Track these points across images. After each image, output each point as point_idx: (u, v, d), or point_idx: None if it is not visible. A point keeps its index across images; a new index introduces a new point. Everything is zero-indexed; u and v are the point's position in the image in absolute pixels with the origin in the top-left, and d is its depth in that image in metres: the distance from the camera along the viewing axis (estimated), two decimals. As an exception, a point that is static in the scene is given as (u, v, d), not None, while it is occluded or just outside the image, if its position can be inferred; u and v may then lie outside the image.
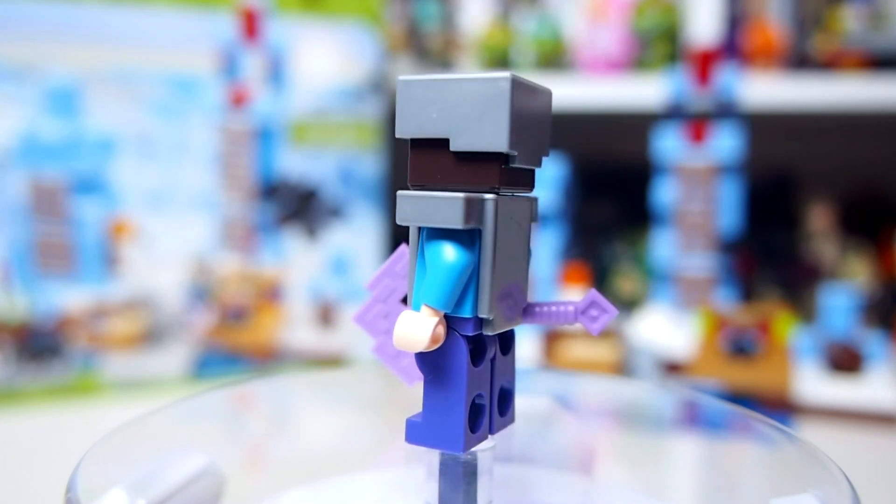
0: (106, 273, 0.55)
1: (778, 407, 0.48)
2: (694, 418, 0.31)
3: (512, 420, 0.21)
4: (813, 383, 0.51)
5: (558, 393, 0.32)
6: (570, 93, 0.70)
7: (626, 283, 0.81)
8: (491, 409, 0.20)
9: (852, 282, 0.75)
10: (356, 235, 0.63)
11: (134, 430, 0.25)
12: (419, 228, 0.19)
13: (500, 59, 0.78)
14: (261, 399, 0.33)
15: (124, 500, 0.22)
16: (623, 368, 0.54)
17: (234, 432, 0.32)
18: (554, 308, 0.20)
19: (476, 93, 0.18)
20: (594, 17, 0.75)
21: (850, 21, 0.68)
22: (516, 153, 0.18)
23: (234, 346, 0.59)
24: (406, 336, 0.18)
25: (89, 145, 0.54)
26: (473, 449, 0.21)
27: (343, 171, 0.63)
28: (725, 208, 0.59)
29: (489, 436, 0.20)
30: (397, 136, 0.19)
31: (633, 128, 0.73)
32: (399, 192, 0.19)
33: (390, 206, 0.64)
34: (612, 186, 0.86)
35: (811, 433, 0.47)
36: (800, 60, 0.70)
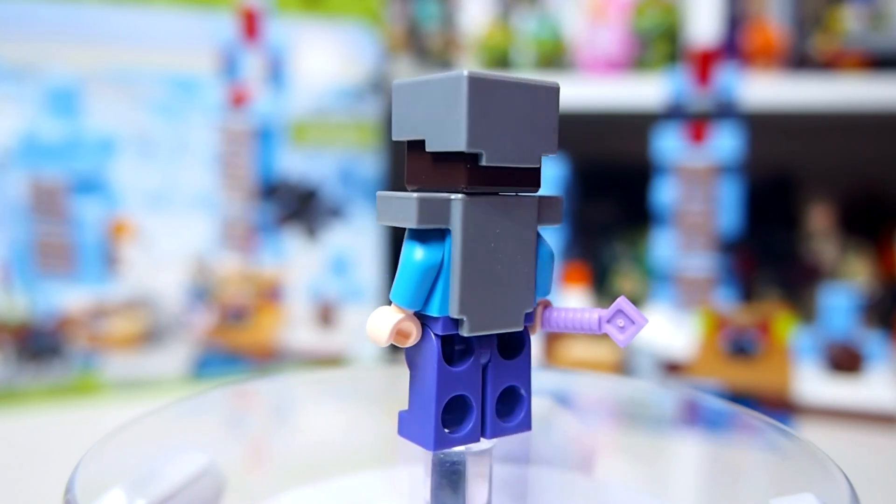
0: (106, 273, 0.55)
1: (778, 407, 0.48)
2: (694, 417, 0.31)
3: (524, 428, 0.21)
4: (813, 383, 0.51)
5: (558, 392, 0.32)
6: (570, 93, 0.70)
7: (626, 283, 0.81)
8: (485, 412, 0.20)
9: (852, 282, 0.75)
10: (356, 235, 0.63)
11: (134, 430, 0.25)
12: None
13: (500, 59, 0.78)
14: (262, 398, 0.33)
15: (124, 500, 0.22)
16: (623, 368, 0.54)
17: (235, 432, 0.32)
18: (576, 315, 0.20)
19: (441, 93, 0.18)
20: (594, 17, 0.75)
21: (850, 21, 0.68)
22: (482, 152, 0.18)
23: (234, 346, 0.59)
24: (371, 329, 0.19)
25: (89, 145, 0.54)
26: (464, 449, 0.21)
27: (343, 171, 0.63)
28: (725, 208, 0.59)
29: (484, 439, 0.20)
30: (393, 138, 0.20)
31: (633, 128, 0.73)
32: (377, 193, 0.19)
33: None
34: (612, 186, 0.86)
35: (811, 433, 0.47)
36: (800, 60, 0.70)
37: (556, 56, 0.76)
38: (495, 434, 0.20)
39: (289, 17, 0.60)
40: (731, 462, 0.30)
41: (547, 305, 0.21)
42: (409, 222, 0.18)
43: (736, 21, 0.71)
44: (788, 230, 0.83)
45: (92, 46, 0.54)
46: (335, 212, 0.63)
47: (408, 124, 0.19)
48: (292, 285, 0.61)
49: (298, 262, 0.61)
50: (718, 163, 0.59)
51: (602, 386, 0.34)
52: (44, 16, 0.53)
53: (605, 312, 0.19)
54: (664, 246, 0.61)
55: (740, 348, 0.51)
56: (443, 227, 0.18)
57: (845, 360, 0.52)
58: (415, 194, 0.18)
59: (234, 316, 0.59)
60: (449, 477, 0.21)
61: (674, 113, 0.61)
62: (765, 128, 0.68)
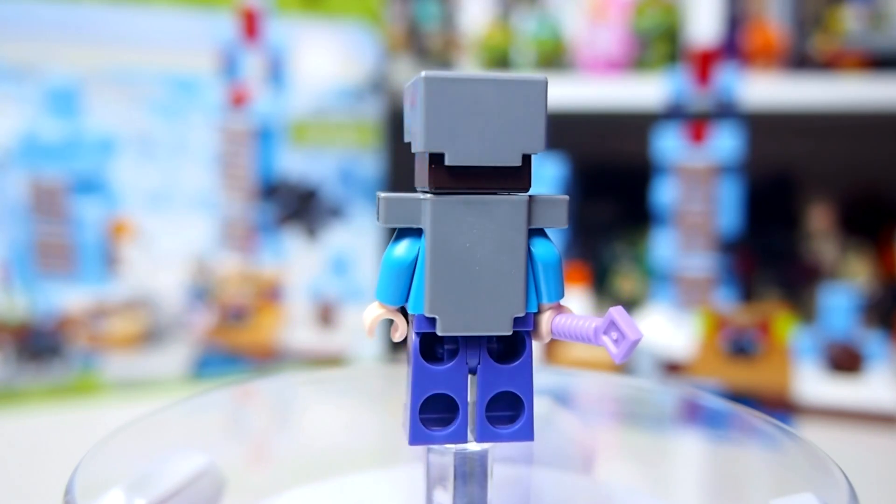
0: (106, 273, 0.55)
1: (778, 407, 0.48)
2: (695, 417, 0.31)
3: (524, 437, 0.20)
4: (813, 383, 0.51)
5: (558, 392, 0.32)
6: (570, 93, 0.70)
7: (626, 283, 0.81)
8: (478, 415, 0.20)
9: (852, 282, 0.75)
10: (356, 235, 0.63)
11: (134, 431, 0.25)
12: None
13: (500, 59, 0.78)
14: (262, 398, 0.33)
15: (123, 500, 0.22)
16: (623, 368, 0.54)
17: (236, 432, 0.32)
18: (578, 323, 0.19)
19: (413, 95, 0.19)
20: (594, 17, 0.75)
21: (850, 21, 0.68)
22: (444, 152, 0.18)
23: (234, 346, 0.59)
24: (362, 321, 0.20)
25: (89, 145, 0.54)
26: (463, 450, 0.21)
27: (343, 171, 0.63)
28: (725, 208, 0.59)
29: (474, 441, 0.20)
30: (405, 140, 0.20)
31: (633, 128, 0.73)
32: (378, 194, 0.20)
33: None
34: (612, 186, 0.86)
35: (811, 433, 0.47)
36: (800, 60, 0.70)
37: (556, 56, 0.76)
38: (488, 439, 0.20)
39: (289, 17, 0.60)
40: (732, 461, 0.30)
41: (559, 312, 0.20)
42: (379, 221, 0.19)
43: (736, 21, 0.71)
44: (788, 230, 0.83)
45: (92, 46, 0.54)
46: (335, 212, 0.63)
47: (406, 126, 0.20)
48: (292, 285, 0.61)
49: (298, 262, 0.61)
50: (718, 163, 0.59)
51: (602, 385, 0.34)
52: (44, 16, 0.53)
53: (601, 323, 0.19)
54: (664, 246, 0.61)
55: (740, 348, 0.51)
56: (414, 226, 0.19)
57: (845, 360, 0.52)
58: (384, 194, 0.19)
59: (234, 316, 0.59)
60: (438, 471, 0.21)
61: (674, 113, 0.61)
62: (765, 128, 0.68)
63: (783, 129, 0.79)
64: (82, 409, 0.53)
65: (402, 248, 0.19)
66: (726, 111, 0.59)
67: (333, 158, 0.62)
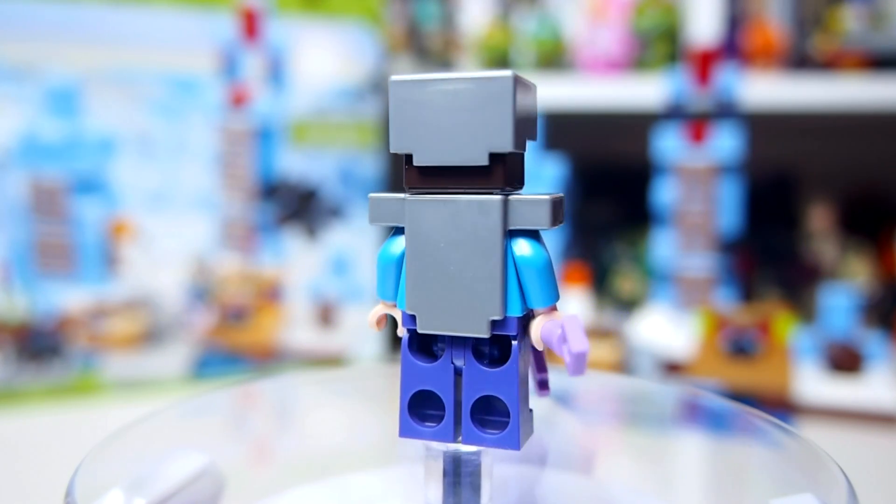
0: (106, 273, 0.55)
1: (778, 407, 0.48)
2: (695, 416, 0.31)
3: (508, 445, 0.19)
4: (813, 383, 0.51)
5: (558, 392, 0.32)
6: (570, 93, 0.70)
7: (626, 283, 0.81)
8: (460, 416, 0.20)
9: (852, 282, 0.75)
10: (356, 235, 0.63)
11: (134, 433, 0.25)
12: None
13: (500, 59, 0.78)
14: (263, 399, 0.33)
15: (123, 500, 0.22)
16: (623, 368, 0.54)
17: (237, 432, 0.32)
18: (551, 328, 0.19)
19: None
20: (594, 17, 0.75)
21: (850, 21, 0.68)
22: (411, 152, 0.19)
23: (234, 346, 0.59)
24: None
25: (89, 145, 0.54)
26: (443, 448, 0.21)
27: (343, 171, 0.63)
28: (725, 208, 0.59)
29: (458, 442, 0.20)
30: None
31: (633, 128, 0.73)
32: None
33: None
34: (612, 186, 0.86)
35: (811, 433, 0.47)
36: (800, 60, 0.70)
37: (556, 56, 0.76)
38: (473, 442, 0.20)
39: (289, 17, 0.60)
40: (733, 461, 0.30)
41: (550, 317, 0.19)
42: (368, 219, 0.20)
43: (736, 21, 0.71)
44: (788, 230, 0.83)
45: (92, 46, 0.54)
46: (335, 212, 0.63)
47: None
48: (292, 285, 0.61)
49: (298, 262, 0.61)
50: (718, 163, 0.59)
51: (603, 385, 0.34)
52: (44, 16, 0.53)
53: (561, 332, 0.18)
54: (664, 246, 0.61)
55: (740, 348, 0.51)
56: (398, 225, 0.20)
57: (845, 360, 0.52)
58: (372, 194, 0.20)
59: (234, 316, 0.59)
60: (449, 476, 0.21)
61: (674, 113, 0.61)
62: (765, 128, 0.68)
63: (783, 129, 0.79)
64: (82, 409, 0.53)
65: (392, 245, 0.20)
66: (726, 111, 0.59)
67: (333, 158, 0.62)
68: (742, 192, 0.60)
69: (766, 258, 0.79)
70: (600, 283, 0.81)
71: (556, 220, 0.19)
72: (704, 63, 0.60)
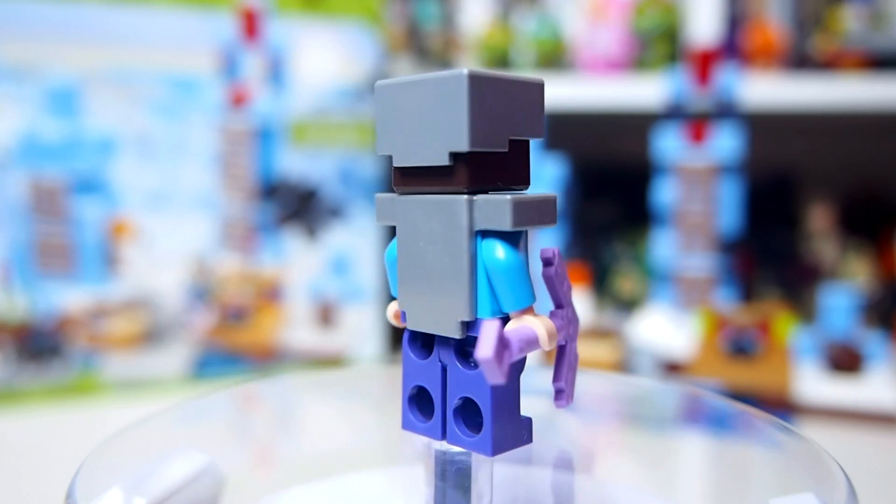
0: (106, 273, 0.55)
1: (778, 407, 0.48)
2: (696, 416, 0.31)
3: (482, 449, 0.19)
4: (813, 383, 0.51)
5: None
6: (570, 93, 0.70)
7: (626, 283, 0.81)
8: (444, 415, 0.20)
9: (852, 282, 0.75)
10: (356, 235, 0.63)
11: (135, 434, 0.25)
12: None
13: (500, 59, 0.78)
14: (263, 400, 0.33)
15: (122, 499, 0.21)
16: (623, 368, 0.54)
17: (237, 433, 0.32)
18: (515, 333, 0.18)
19: None
20: (594, 17, 0.75)
21: (850, 21, 0.68)
22: (391, 154, 0.19)
23: (234, 346, 0.59)
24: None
25: (89, 145, 0.54)
26: (435, 446, 0.21)
27: (343, 171, 0.63)
28: (725, 208, 0.59)
29: (442, 441, 0.20)
30: None
31: (633, 128, 0.73)
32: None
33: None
34: (612, 186, 0.86)
35: (811, 433, 0.47)
36: (800, 60, 0.70)
37: (556, 56, 0.76)
38: (454, 441, 0.20)
39: (289, 17, 0.60)
40: (734, 460, 0.30)
41: (521, 321, 0.19)
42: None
43: (736, 21, 0.71)
44: (788, 230, 0.83)
45: (92, 46, 0.54)
46: (335, 212, 0.63)
47: None
48: (292, 285, 0.61)
49: (298, 262, 0.61)
50: (718, 163, 0.59)
51: (603, 385, 0.34)
52: (44, 16, 0.53)
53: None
54: (664, 246, 0.61)
55: (740, 348, 0.51)
56: (392, 224, 0.20)
57: (845, 360, 0.52)
58: (378, 194, 0.20)
59: (234, 316, 0.59)
60: (448, 476, 0.21)
61: (674, 113, 0.61)
62: (765, 128, 0.68)
63: (783, 129, 0.79)
64: (82, 409, 0.53)
65: (392, 244, 0.21)
66: (726, 111, 0.59)
67: (333, 158, 0.62)
68: (742, 192, 0.60)
69: (766, 258, 0.79)
70: (600, 283, 0.81)
71: (521, 221, 0.18)
72: (704, 63, 0.60)
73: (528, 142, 0.19)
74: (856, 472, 0.22)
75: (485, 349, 0.16)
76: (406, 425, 0.21)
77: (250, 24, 0.59)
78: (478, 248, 0.18)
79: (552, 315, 0.19)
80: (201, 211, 0.58)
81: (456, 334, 0.19)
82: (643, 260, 0.79)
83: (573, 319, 0.20)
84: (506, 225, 0.18)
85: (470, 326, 0.19)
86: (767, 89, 0.66)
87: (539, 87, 0.19)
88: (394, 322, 0.21)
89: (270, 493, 0.25)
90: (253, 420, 0.34)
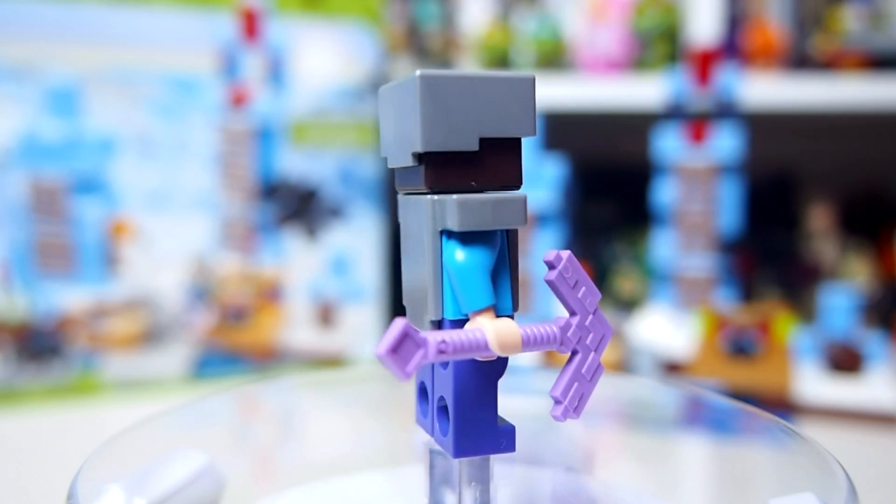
0: (106, 273, 0.55)
1: (778, 407, 0.48)
2: (697, 415, 0.31)
3: (448, 449, 0.19)
4: (813, 383, 0.51)
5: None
6: (570, 93, 0.70)
7: (626, 283, 0.81)
8: (432, 411, 0.20)
9: (852, 282, 0.75)
10: (356, 235, 0.63)
11: (135, 436, 0.25)
12: None
13: (500, 60, 0.78)
14: (264, 401, 0.33)
15: (122, 498, 0.21)
16: (623, 368, 0.54)
17: (238, 435, 0.32)
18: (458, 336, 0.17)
19: None
20: (594, 17, 0.75)
21: (850, 21, 0.68)
22: (386, 156, 0.20)
23: (234, 346, 0.59)
24: None
25: (89, 145, 0.54)
26: (429, 445, 0.22)
27: (343, 171, 0.63)
28: (725, 208, 0.59)
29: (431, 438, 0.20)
30: None
31: (633, 128, 0.73)
32: None
33: (390, 206, 0.64)
34: (612, 186, 0.86)
35: (811, 433, 0.47)
36: (800, 60, 0.70)
37: (556, 56, 0.76)
38: (435, 438, 0.20)
39: (289, 17, 0.60)
40: (734, 460, 0.30)
41: (474, 323, 0.18)
42: None
43: (736, 21, 0.71)
44: (788, 230, 0.83)
45: (92, 46, 0.54)
46: (335, 212, 0.63)
47: None
48: (292, 285, 0.61)
49: (298, 262, 0.61)
50: (718, 163, 0.59)
51: (604, 385, 0.34)
52: (44, 16, 0.53)
53: None
54: (664, 246, 0.61)
55: (740, 348, 0.51)
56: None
57: (845, 360, 0.52)
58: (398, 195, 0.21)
59: (234, 316, 0.59)
60: (437, 474, 0.22)
61: (674, 113, 0.61)
62: (765, 128, 0.68)
63: (783, 129, 0.79)
64: (82, 409, 0.53)
65: None
66: (726, 111, 0.59)
67: (333, 158, 0.62)
68: (742, 192, 0.60)
69: (766, 258, 0.79)
70: (600, 283, 0.81)
71: (470, 221, 0.18)
72: (704, 63, 0.60)
73: (515, 140, 0.19)
74: (856, 471, 0.22)
75: (380, 344, 0.16)
76: (417, 419, 0.21)
77: (250, 24, 0.59)
78: (443, 247, 0.18)
79: (556, 322, 0.19)
80: (201, 211, 0.58)
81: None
82: (643, 260, 0.79)
83: (594, 329, 0.19)
84: (454, 225, 0.18)
85: (441, 326, 0.19)
86: (767, 89, 0.66)
87: (526, 83, 0.18)
88: None
89: (270, 493, 0.25)
90: (253, 421, 0.34)
